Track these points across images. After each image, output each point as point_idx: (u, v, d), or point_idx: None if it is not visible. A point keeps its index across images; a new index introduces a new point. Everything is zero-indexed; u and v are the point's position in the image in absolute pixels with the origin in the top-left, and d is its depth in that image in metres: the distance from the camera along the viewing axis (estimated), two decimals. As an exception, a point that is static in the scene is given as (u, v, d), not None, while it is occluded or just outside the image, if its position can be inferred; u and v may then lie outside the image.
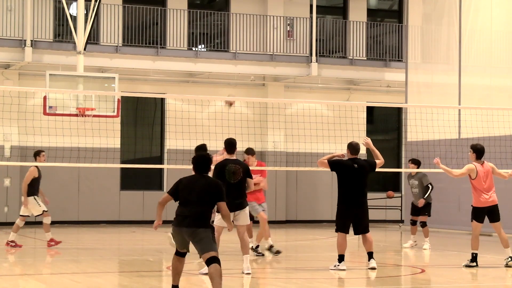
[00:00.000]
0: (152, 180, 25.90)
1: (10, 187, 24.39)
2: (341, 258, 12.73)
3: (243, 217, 12.36)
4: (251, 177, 12.48)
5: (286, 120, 25.06)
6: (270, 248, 14.99)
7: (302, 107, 26.04)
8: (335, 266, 12.80)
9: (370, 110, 28.54)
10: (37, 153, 16.50)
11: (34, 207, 16.53)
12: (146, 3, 25.79)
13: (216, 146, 21.52)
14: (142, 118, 26.73)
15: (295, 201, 27.26)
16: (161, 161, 25.88)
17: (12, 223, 24.39)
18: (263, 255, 14.90)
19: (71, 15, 21.95)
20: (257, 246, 15.06)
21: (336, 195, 13.08)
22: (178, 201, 9.18)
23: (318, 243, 17.84)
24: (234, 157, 12.48)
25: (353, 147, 13.21)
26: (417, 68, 25.59)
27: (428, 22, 25.52)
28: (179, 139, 22.85)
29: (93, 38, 23.50)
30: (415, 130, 21.86)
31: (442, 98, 23.94)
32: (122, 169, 25.34)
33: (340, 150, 20.72)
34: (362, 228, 12.94)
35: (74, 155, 20.44)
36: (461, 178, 13.94)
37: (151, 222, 26.95)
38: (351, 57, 27.46)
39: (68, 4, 22.81)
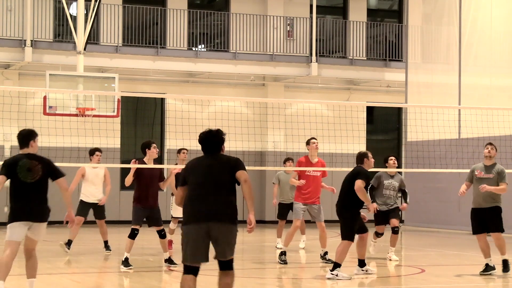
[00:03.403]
0: (152, 180, 25.88)
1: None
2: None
3: (40, 231, 9.44)
4: (61, 176, 9.71)
5: (286, 120, 25.05)
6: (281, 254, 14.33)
7: (302, 107, 26.03)
8: None
9: (370, 110, 28.55)
10: (178, 151, 16.22)
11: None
12: (146, 3, 25.80)
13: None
14: (142, 118, 26.73)
15: (295, 201, 27.25)
16: (161, 161, 25.87)
17: (12, 223, 24.44)
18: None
19: (71, 15, 21.94)
20: (326, 253, 14.41)
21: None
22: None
23: (318, 243, 17.82)
24: (30, 151, 9.64)
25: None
26: (417, 68, 25.59)
27: (428, 22, 25.53)
28: (179, 139, 22.80)
29: (93, 38, 23.50)
30: (415, 130, 21.86)
31: (442, 98, 23.95)
32: (122, 169, 25.32)
33: (340, 150, 20.83)
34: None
35: (74, 155, 20.42)
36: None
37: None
38: (351, 57, 27.46)
39: (68, 4, 22.81)
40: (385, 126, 30.38)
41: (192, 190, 7.81)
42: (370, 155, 12.57)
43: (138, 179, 13.20)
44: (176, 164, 16.30)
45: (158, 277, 12.89)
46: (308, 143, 14.65)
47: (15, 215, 9.22)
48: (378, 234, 14.93)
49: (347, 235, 12.09)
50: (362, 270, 12.47)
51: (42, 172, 9.39)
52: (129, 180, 13.19)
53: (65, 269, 13.36)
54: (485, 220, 12.68)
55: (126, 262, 12.99)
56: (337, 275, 12.01)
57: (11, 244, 9.19)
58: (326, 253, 14.49)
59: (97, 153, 15.46)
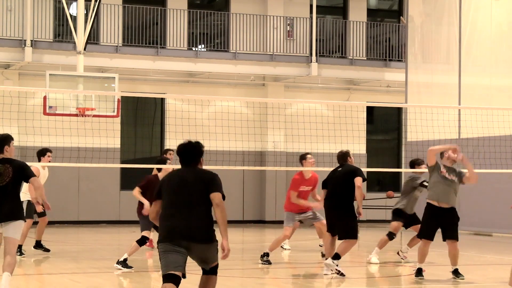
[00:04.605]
0: (152, 180, 25.86)
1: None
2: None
3: (12, 229, 9.59)
4: (32, 176, 9.70)
5: (286, 120, 25.07)
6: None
7: (302, 107, 26.03)
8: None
9: (370, 110, 28.54)
10: (164, 152, 16.39)
11: None
12: (146, 3, 25.79)
13: (216, 146, 21.60)
14: (142, 118, 26.73)
15: (295, 201, 27.24)
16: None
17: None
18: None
19: (71, 15, 21.95)
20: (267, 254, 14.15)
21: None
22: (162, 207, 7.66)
23: (318, 243, 17.82)
24: (6, 156, 9.75)
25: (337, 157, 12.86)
26: (417, 68, 25.58)
27: (428, 22, 25.52)
28: (179, 139, 22.70)
29: (93, 38, 23.49)
30: (415, 130, 21.86)
31: (442, 98, 23.94)
32: (122, 169, 25.33)
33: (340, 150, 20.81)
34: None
35: (74, 155, 20.43)
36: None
37: (151, 222, 26.68)
38: (351, 57, 27.45)
39: (68, 4, 22.80)
40: (385, 126, 30.38)
41: (166, 208, 7.53)
42: (351, 153, 12.70)
43: (149, 192, 12.80)
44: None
45: (158, 277, 12.87)
46: (304, 158, 14.28)
47: None
48: (392, 236, 14.11)
49: (352, 234, 12.15)
50: (334, 263, 12.19)
51: (12, 174, 9.60)
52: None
53: (65, 269, 13.35)
54: (442, 224, 11.91)
55: (124, 263, 12.91)
56: (337, 265, 12.06)
57: None
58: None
59: (48, 153, 15.27)
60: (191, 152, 7.68)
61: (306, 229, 19.23)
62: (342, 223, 12.23)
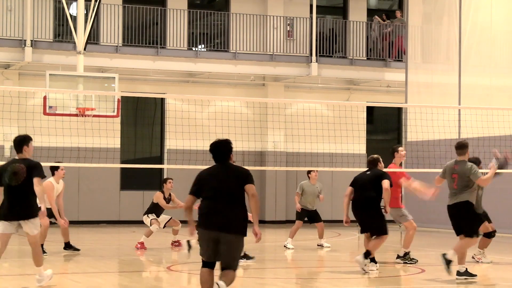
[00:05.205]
0: (152, 180, 25.89)
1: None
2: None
3: (30, 227, 10.32)
4: (36, 176, 10.30)
5: (286, 120, 25.06)
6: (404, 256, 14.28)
7: (302, 107, 26.04)
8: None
9: (370, 110, 28.53)
10: (164, 181, 16.85)
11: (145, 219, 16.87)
12: (146, 3, 25.79)
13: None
14: (142, 118, 26.73)
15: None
16: (161, 161, 25.88)
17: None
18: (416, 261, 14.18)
19: (71, 15, 21.94)
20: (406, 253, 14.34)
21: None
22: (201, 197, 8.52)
23: (314, 244, 17.84)
24: (25, 156, 10.58)
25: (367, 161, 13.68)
26: (417, 68, 25.58)
27: (428, 22, 25.52)
28: (179, 139, 22.87)
29: (93, 38, 23.49)
30: (415, 130, 21.86)
31: (442, 98, 23.94)
32: (122, 169, 25.33)
33: (340, 150, 20.82)
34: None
35: (74, 155, 20.43)
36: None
37: (151, 222, 26.62)
38: (351, 57, 27.45)
39: (68, 4, 22.80)
40: (385, 126, 30.36)
41: (206, 201, 8.41)
42: (381, 159, 13.54)
43: None
44: (163, 192, 16.62)
45: (158, 277, 12.89)
46: (396, 150, 14.98)
47: (2, 215, 10.36)
48: (491, 235, 14.68)
49: (384, 230, 12.86)
50: (366, 260, 12.65)
51: (26, 174, 10.25)
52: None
53: (65, 269, 13.35)
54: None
55: (245, 256, 13.38)
56: (365, 264, 12.55)
57: (1, 236, 10.40)
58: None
59: (62, 167, 15.43)
60: (221, 150, 8.53)
61: (307, 229, 19.25)
62: (373, 222, 12.92)
